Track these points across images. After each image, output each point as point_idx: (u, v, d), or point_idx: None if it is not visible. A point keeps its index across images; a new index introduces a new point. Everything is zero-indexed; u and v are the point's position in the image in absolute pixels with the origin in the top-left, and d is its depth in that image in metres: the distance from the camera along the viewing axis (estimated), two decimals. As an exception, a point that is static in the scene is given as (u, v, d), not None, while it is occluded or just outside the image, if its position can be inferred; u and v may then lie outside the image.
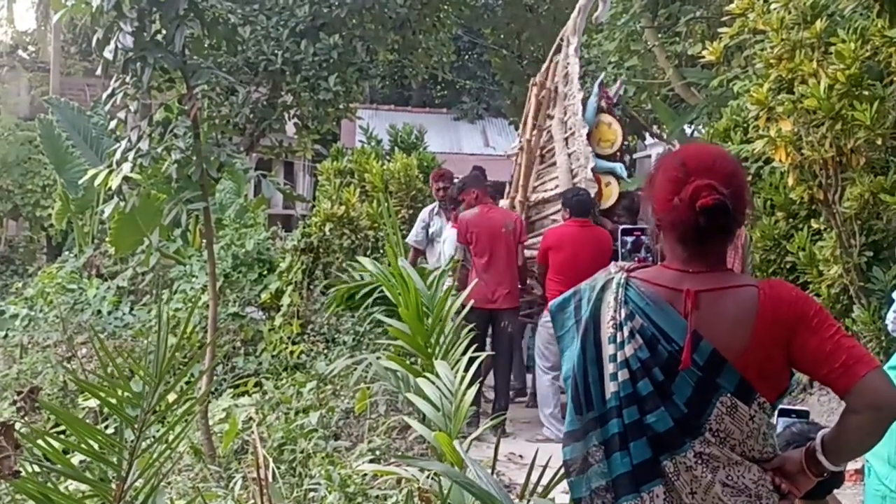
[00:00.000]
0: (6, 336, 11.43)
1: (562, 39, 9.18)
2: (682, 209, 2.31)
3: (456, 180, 9.49)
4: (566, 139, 8.67)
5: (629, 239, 3.33)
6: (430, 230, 9.41)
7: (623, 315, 2.35)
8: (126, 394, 3.34)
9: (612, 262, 2.53)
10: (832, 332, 2.29)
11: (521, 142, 9.26)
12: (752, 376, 2.29)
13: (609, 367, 2.36)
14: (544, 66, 9.43)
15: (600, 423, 2.38)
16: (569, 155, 8.55)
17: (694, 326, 2.29)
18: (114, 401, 3.38)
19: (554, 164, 8.76)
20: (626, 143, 10.67)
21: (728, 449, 2.30)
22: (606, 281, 2.44)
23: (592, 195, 8.20)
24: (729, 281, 2.38)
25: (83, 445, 3.35)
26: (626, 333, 2.34)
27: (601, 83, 8.97)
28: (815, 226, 7.06)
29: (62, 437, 3.65)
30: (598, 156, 8.45)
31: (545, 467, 3.76)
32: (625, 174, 8.87)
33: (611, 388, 2.35)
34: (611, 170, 8.57)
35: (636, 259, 3.26)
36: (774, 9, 6.77)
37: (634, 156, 25.93)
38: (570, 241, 7.75)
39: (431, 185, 9.91)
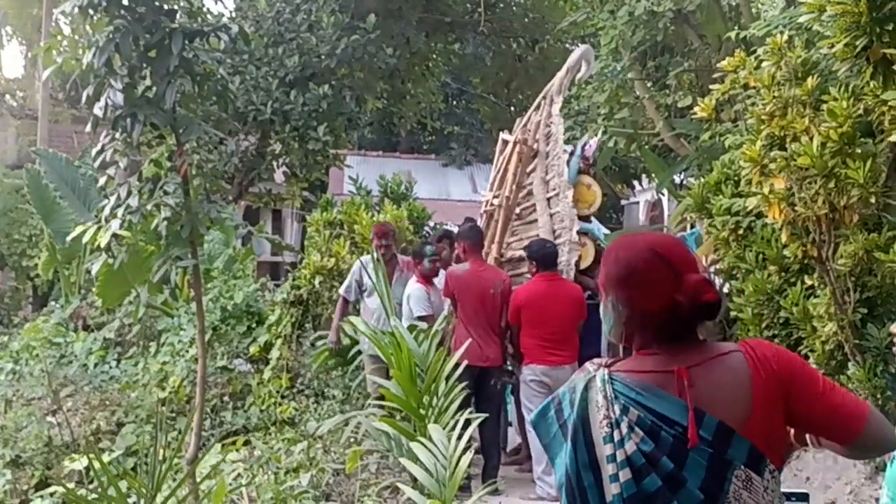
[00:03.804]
0: (-10, 390, 11.27)
1: (543, 97, 9.16)
2: (685, 307, 2.27)
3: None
4: (549, 199, 8.65)
5: None
6: (364, 284, 8.89)
7: (618, 411, 2.26)
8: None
9: (589, 361, 2.45)
10: (821, 386, 2.30)
11: (492, 196, 9.18)
12: (759, 443, 2.23)
13: (608, 469, 2.25)
14: (520, 122, 9.37)
15: None
16: (551, 215, 8.54)
17: (694, 403, 2.22)
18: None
19: (532, 222, 8.75)
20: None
21: None
22: (588, 380, 2.34)
23: (575, 258, 8.20)
24: (713, 350, 2.32)
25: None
26: (624, 430, 2.24)
27: (584, 145, 8.97)
28: (808, 282, 7.01)
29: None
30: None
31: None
32: (602, 235, 8.89)
33: (612, 490, 2.24)
34: (588, 231, 8.59)
35: None
36: (765, 66, 6.79)
37: (622, 202, 26.04)
38: (539, 297, 7.68)
39: (373, 240, 9.09)
